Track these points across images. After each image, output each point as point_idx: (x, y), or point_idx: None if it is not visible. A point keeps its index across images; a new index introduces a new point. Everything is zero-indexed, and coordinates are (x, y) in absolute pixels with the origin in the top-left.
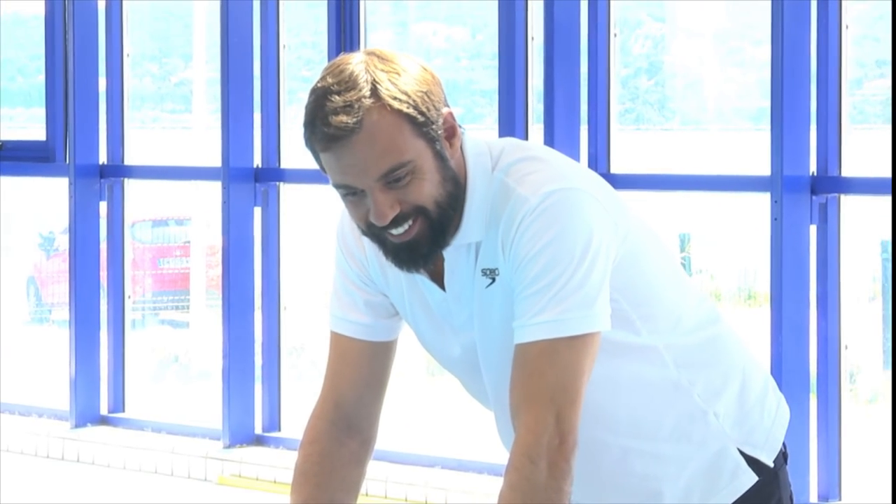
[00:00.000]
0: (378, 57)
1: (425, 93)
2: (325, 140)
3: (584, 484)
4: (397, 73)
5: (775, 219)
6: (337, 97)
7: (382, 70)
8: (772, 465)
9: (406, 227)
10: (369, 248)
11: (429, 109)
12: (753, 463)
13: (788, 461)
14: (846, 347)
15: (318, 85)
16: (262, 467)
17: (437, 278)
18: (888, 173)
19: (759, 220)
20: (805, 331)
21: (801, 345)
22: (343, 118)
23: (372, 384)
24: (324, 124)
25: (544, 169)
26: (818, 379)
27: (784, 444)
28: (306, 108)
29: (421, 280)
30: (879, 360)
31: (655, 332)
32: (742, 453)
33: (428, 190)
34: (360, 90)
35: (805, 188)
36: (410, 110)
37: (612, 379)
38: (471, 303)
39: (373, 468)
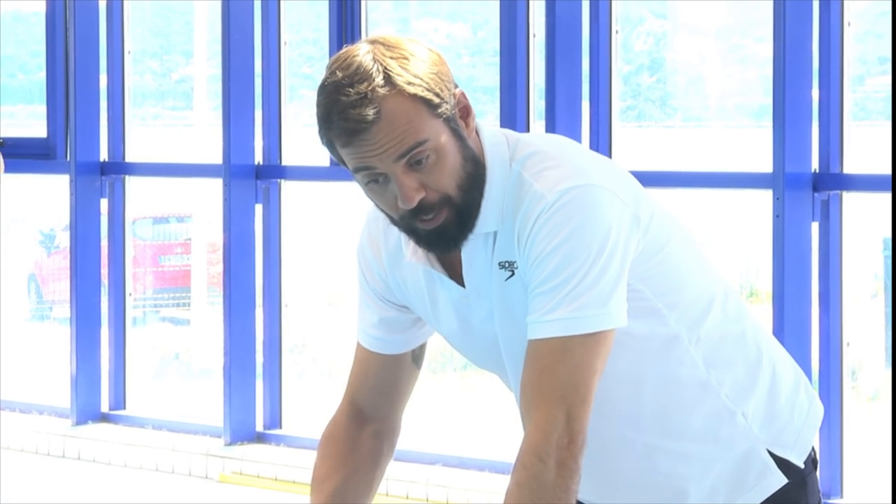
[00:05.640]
0: (383, 45)
1: (436, 73)
2: (346, 135)
3: (607, 481)
4: (406, 59)
5: (777, 216)
6: (350, 90)
7: (391, 57)
8: (802, 465)
9: (433, 214)
10: (388, 261)
11: (442, 90)
12: (783, 464)
13: (818, 466)
14: (848, 345)
15: (328, 81)
16: (264, 465)
17: (456, 276)
18: (889, 170)
19: (760, 217)
20: (807, 328)
21: (803, 342)
22: (361, 111)
23: (387, 393)
24: (342, 119)
25: (562, 164)
26: (820, 376)
27: (813, 448)
28: (318, 104)
29: (440, 279)
30: (881, 358)
31: (682, 321)
32: (771, 454)
33: (450, 171)
34: (373, 80)
35: (807, 185)
36: (426, 93)
37: (638, 376)
38: (490, 296)
39: None
